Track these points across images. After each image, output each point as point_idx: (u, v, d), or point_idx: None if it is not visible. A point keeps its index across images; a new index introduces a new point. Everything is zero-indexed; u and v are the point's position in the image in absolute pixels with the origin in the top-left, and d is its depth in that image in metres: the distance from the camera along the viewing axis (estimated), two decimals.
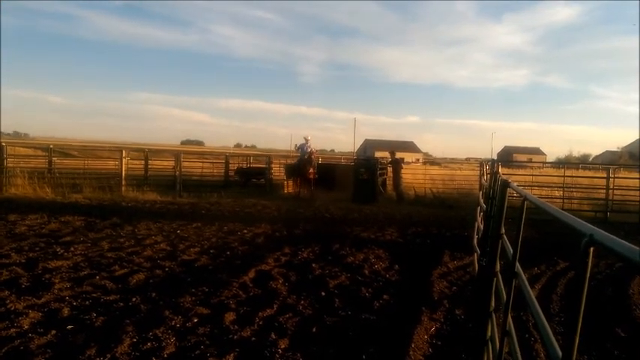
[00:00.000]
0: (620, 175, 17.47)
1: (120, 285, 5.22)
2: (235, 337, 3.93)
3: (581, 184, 15.95)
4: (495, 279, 3.06)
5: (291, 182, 17.21)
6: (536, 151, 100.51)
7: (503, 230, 2.97)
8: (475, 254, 6.31)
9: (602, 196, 13.77)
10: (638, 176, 15.04)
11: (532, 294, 1.94)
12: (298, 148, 17.30)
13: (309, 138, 17.05)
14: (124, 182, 15.28)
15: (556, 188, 15.26)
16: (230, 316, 4.36)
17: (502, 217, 3.00)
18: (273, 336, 3.97)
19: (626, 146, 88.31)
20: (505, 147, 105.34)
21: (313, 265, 6.49)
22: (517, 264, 2.18)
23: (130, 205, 12.30)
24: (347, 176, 16.36)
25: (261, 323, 4.27)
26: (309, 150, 16.57)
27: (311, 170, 16.05)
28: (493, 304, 3.18)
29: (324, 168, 17.71)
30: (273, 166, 18.54)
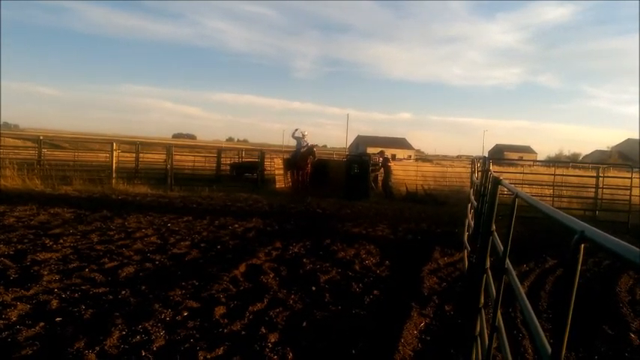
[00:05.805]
0: (610, 175, 17.64)
1: (109, 278, 5.18)
2: (225, 330, 3.92)
3: (571, 182, 16.11)
4: (485, 275, 3.08)
5: (288, 175, 17.26)
6: (527, 150, 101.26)
7: (493, 227, 2.99)
8: (465, 251, 6.35)
9: (592, 194, 13.93)
10: (627, 176, 15.20)
11: (522, 290, 1.96)
12: (295, 138, 17.31)
13: (306, 133, 17.10)
14: (114, 175, 15.15)
15: (546, 186, 15.40)
16: (220, 310, 4.35)
17: (493, 214, 3.01)
18: (263, 330, 3.97)
19: (615, 146, 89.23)
20: (496, 145, 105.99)
21: (304, 259, 6.49)
22: (507, 260, 2.20)
23: (120, 197, 12.19)
24: (339, 172, 16.37)
25: (251, 317, 4.27)
26: (305, 144, 16.62)
27: (308, 162, 16.15)
28: (482, 300, 3.21)
29: (316, 163, 17.72)
30: (265, 160, 18.48)
